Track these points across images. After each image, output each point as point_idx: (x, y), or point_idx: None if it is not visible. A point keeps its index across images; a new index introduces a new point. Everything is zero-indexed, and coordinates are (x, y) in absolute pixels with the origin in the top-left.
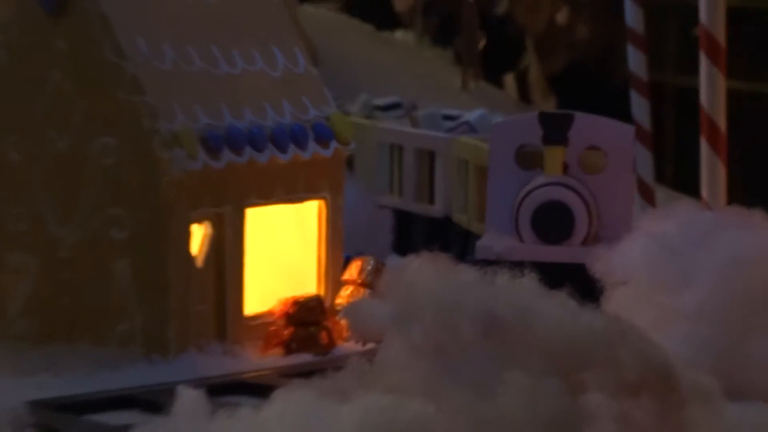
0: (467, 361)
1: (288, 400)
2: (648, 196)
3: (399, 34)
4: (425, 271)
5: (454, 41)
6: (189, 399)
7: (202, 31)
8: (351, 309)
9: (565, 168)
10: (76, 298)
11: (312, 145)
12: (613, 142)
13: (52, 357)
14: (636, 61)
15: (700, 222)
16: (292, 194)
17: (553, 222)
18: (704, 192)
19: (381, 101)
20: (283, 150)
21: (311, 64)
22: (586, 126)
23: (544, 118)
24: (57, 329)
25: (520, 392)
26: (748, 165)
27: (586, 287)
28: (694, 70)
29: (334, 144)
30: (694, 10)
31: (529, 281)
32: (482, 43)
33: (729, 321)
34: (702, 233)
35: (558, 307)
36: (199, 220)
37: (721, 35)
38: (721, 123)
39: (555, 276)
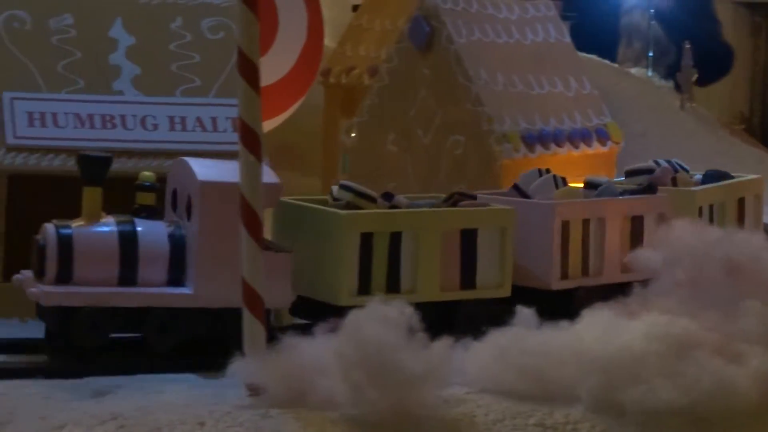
0: (714, 292)
1: (593, 317)
2: None
3: (635, 70)
4: (685, 229)
5: (675, 75)
6: (525, 314)
7: (521, 65)
8: (634, 256)
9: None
10: None
11: (595, 144)
12: (192, 189)
13: None
14: None
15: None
16: (582, 177)
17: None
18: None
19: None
20: (576, 146)
21: (593, 88)
22: (182, 172)
23: (82, 160)
24: None
25: (757, 315)
26: None
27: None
28: None
29: (609, 143)
30: None
31: (759, 237)
32: (695, 77)
33: None
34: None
35: None
36: None
37: None
38: None
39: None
